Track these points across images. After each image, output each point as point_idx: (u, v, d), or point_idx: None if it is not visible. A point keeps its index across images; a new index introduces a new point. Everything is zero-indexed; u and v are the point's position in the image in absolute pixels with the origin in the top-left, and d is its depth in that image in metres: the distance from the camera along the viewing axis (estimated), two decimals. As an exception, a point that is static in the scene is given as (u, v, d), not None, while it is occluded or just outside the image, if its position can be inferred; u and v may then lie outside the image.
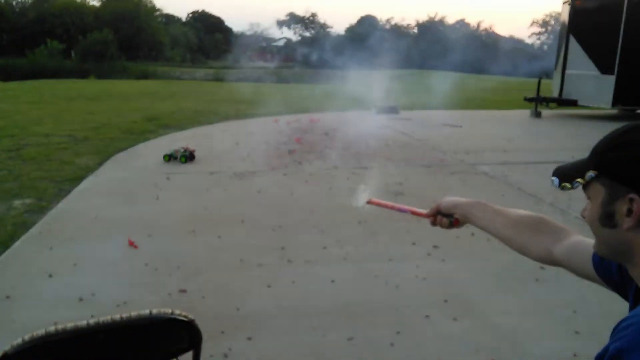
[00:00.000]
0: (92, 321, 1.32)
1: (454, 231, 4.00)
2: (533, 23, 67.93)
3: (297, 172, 6.02)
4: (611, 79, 10.92)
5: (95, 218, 4.30)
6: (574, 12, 11.77)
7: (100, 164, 6.24)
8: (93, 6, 47.84)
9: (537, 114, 11.92)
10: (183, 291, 3.07)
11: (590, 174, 0.88)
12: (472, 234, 4.01)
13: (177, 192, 5.13)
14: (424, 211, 1.46)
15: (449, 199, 1.42)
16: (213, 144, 7.61)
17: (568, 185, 0.92)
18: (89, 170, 5.87)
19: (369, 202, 1.56)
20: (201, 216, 4.43)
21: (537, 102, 11.98)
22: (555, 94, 12.39)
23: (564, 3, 12.49)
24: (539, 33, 65.13)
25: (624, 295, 0.99)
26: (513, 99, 16.32)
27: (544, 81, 12.46)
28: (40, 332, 1.31)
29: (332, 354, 2.48)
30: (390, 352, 2.49)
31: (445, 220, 1.40)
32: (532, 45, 63.67)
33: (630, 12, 10.57)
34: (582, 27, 11.64)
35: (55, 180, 5.38)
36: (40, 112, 10.59)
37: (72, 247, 3.72)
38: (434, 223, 1.44)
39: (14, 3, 47.03)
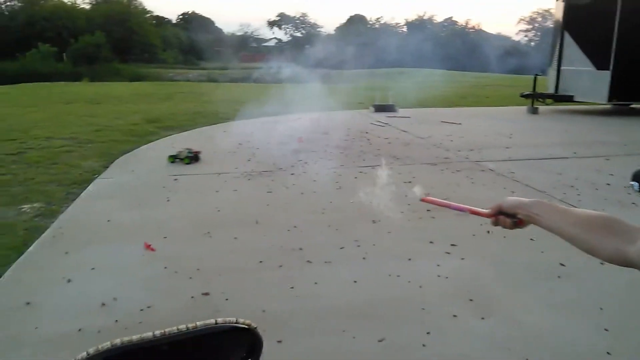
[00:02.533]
0: (157, 332, 1.29)
1: (470, 229, 4.02)
2: (520, 20, 68.32)
3: (304, 172, 6.00)
4: (606, 75, 11.01)
5: (108, 221, 4.26)
6: (569, 9, 11.85)
7: (105, 166, 6.18)
8: (84, 9, 47.58)
9: (534, 110, 12.00)
10: (206, 294, 3.05)
11: None
12: (488, 232, 4.03)
13: (187, 194, 5.10)
14: (484, 211, 1.45)
15: (512, 199, 1.41)
16: (216, 144, 7.57)
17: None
18: (95, 173, 5.82)
19: (422, 200, 1.56)
20: (214, 218, 4.40)
21: (534, 98, 12.05)
22: (551, 90, 12.47)
23: (557, 0, 12.58)
24: (527, 30, 65.63)
25: None
26: (506, 95, 16.44)
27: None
28: (106, 344, 1.28)
29: (365, 357, 2.47)
30: (423, 352, 2.48)
31: (508, 221, 1.40)
32: (520, 42, 64.09)
33: (625, 8, 10.66)
34: (576, 24, 11.73)
35: (62, 184, 5.33)
36: (38, 115, 10.48)
37: (88, 251, 3.68)
38: (495, 223, 1.43)
39: (3, 7, 46.55)
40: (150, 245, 3.74)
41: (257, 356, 1.51)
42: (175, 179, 5.59)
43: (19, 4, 46.38)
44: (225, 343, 1.44)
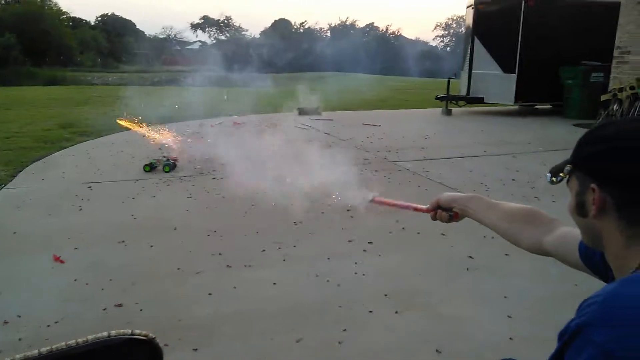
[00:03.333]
0: (44, 349, 1.23)
1: (387, 227, 4.16)
2: (437, 26, 71.50)
3: (225, 176, 5.93)
4: (513, 77, 11.76)
5: (14, 233, 4.01)
6: (478, 16, 12.54)
7: (13, 175, 5.80)
8: (-8, 9, 44.36)
9: (448, 112, 12.58)
10: (119, 305, 2.95)
11: (568, 167, 0.95)
12: (403, 229, 4.20)
13: (101, 202, 4.90)
14: (424, 207, 1.54)
15: (448, 194, 1.50)
16: (136, 150, 7.32)
17: (554, 179, 0.99)
18: (1, 183, 5.44)
19: (373, 201, 1.65)
20: (130, 225, 4.26)
21: (448, 100, 12.65)
22: (464, 93, 13.14)
23: (467, 7, 13.28)
24: (442, 36, 68.75)
25: (607, 282, 1.02)
26: (424, 98, 17.11)
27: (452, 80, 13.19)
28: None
29: (283, 357, 2.50)
30: (340, 350, 2.54)
31: (445, 214, 1.48)
32: (437, 47, 67.05)
33: (527, 15, 11.45)
34: (485, 30, 12.44)
35: (-39, 196, 4.95)
36: None
37: (-11, 266, 3.45)
38: (434, 217, 1.51)
39: None
40: (59, 257, 3.56)
41: (157, 367, 1.48)
42: (89, 187, 5.35)
43: None
44: (122, 356, 1.40)
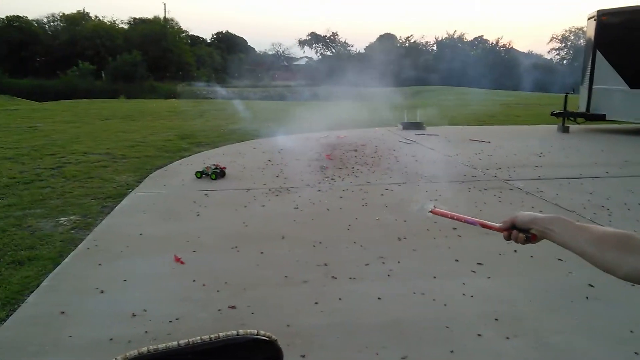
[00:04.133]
0: (182, 342, 1.35)
1: (497, 248, 4.00)
2: (552, 39, 67.37)
3: (331, 189, 6.06)
4: (640, 94, 10.80)
5: (140, 234, 4.40)
6: (600, 27, 11.70)
7: (139, 181, 6.38)
8: (122, 29, 49.33)
9: (565, 129, 11.82)
10: (232, 307, 3.11)
11: None
12: (515, 251, 4.00)
13: (217, 209, 5.21)
14: (497, 225, 1.45)
15: (527, 214, 1.41)
16: (245, 161, 7.72)
17: None
18: (129, 188, 6.01)
19: (431, 212, 1.56)
20: (242, 233, 4.49)
21: (565, 117, 11.89)
22: (583, 109, 12.27)
23: (589, 19, 12.44)
24: (559, 48, 64.67)
25: None
26: (537, 113, 16.24)
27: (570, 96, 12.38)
28: (133, 352, 1.36)
29: (387, 372, 2.49)
30: (446, 370, 2.49)
31: (521, 236, 1.40)
32: (552, 60, 63.24)
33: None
34: (608, 42, 11.57)
35: (97, 197, 5.53)
36: (77, 131, 10.89)
37: (120, 263, 3.81)
38: (508, 238, 1.43)
39: (47, 27, 48.68)
40: (180, 258, 3.84)
41: (277, 367, 1.56)
42: (206, 194, 5.73)
43: (62, 24, 48.46)
44: (247, 354, 1.50)
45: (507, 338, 2.76)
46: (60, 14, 49.13)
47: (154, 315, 3.04)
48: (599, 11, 11.68)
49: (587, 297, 3.23)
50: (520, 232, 1.41)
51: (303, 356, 2.60)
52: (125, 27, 50.26)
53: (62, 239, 4.29)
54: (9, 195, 5.63)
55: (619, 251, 1.25)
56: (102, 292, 3.32)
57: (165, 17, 48.83)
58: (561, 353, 2.64)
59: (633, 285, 3.26)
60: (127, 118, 13.92)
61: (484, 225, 1.47)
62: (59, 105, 18.23)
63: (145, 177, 6.61)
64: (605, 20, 11.64)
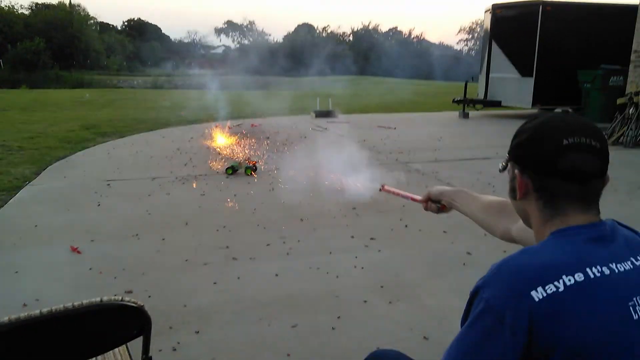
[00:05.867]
0: (44, 310, 1.42)
1: (390, 224, 4.29)
2: (460, 30, 70.81)
3: (239, 175, 6.13)
4: (530, 81, 11.75)
5: (35, 226, 4.25)
6: (495, 20, 12.56)
7: (37, 173, 6.10)
8: (22, 14, 45.64)
9: (465, 115, 12.61)
10: (129, 292, 3.13)
11: (506, 158, 1.09)
12: (406, 226, 4.31)
13: (119, 199, 5.12)
14: (419, 197, 1.68)
15: (437, 188, 1.64)
16: (153, 150, 7.58)
17: (500, 168, 1.13)
18: (25, 180, 5.73)
19: (381, 189, 1.80)
20: (144, 221, 4.47)
21: (465, 103, 12.68)
22: (481, 96, 13.15)
23: (486, 11, 13.31)
24: (466, 40, 68.07)
25: None
26: (442, 101, 17.13)
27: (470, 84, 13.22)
28: (-2, 320, 1.40)
29: (277, 341, 2.64)
30: (332, 335, 2.68)
31: (433, 206, 1.63)
32: (461, 51, 66.50)
33: (545, 19, 11.42)
34: (503, 34, 12.45)
35: (-12, 191, 5.24)
36: (-34, 123, 10.11)
37: (12, 255, 3.68)
38: (425, 208, 1.66)
39: None
40: (76, 248, 3.77)
41: (147, 334, 1.65)
42: (108, 184, 5.60)
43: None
44: (113, 320, 1.58)
45: (390, 302, 3.01)
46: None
47: (46, 303, 2.93)
48: (493, 5, 12.53)
49: (464, 264, 3.57)
50: (433, 203, 1.64)
51: (197, 332, 2.69)
52: (26, 12, 46.67)
53: (-54, 234, 4.06)
54: None
55: (497, 216, 1.48)
56: (-10, 284, 3.21)
57: (70, 2, 45.87)
58: (435, 313, 2.92)
59: (505, 251, 3.64)
60: (28, 109, 13.08)
61: (413, 199, 1.73)
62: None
63: (44, 169, 6.32)
64: (499, 13, 12.50)
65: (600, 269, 0.89)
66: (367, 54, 50.49)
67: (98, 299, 1.46)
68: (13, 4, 49.80)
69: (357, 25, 76.84)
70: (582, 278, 0.87)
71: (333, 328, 2.73)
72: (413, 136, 9.35)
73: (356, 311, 2.92)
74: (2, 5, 45.16)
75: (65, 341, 1.50)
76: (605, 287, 0.87)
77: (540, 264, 0.90)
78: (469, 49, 66.91)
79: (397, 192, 1.78)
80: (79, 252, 3.72)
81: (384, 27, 69.67)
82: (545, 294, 0.85)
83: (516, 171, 1.04)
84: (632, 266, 0.92)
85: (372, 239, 4.03)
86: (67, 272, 3.44)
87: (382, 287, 3.21)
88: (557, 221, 0.98)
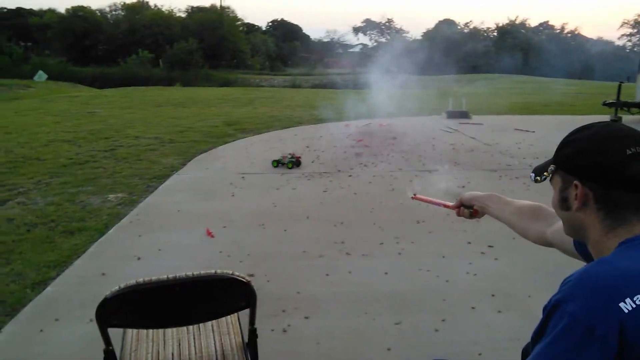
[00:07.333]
0: (170, 275, 1.70)
1: (511, 232, 4.12)
2: (623, 24, 63.61)
3: (362, 174, 6.28)
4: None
5: (178, 211, 4.81)
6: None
7: (183, 164, 6.85)
8: (180, 17, 50.81)
9: (617, 120, 11.40)
10: (251, 275, 3.43)
11: (551, 167, 1.08)
12: (528, 235, 4.10)
13: (251, 190, 5.57)
14: (451, 204, 1.71)
15: (469, 193, 1.66)
16: (285, 147, 8.05)
17: (539, 178, 1.13)
18: (173, 169, 6.48)
19: (413, 198, 1.84)
20: (270, 212, 4.82)
21: (617, 107, 11.47)
22: (639, 99, 11.79)
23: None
24: (630, 34, 60.98)
25: None
26: (595, 103, 15.64)
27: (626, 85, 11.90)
28: (132, 282, 1.71)
29: (379, 335, 2.73)
30: (434, 336, 2.70)
31: (466, 212, 1.65)
32: (624, 47, 59.84)
33: None
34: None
35: (144, 178, 6.02)
36: (131, 117, 11.62)
37: (157, 235, 4.22)
38: (458, 214, 1.68)
39: (109, 16, 51.03)
40: (211, 232, 4.21)
41: (253, 307, 1.87)
42: (243, 177, 6.10)
43: (122, 14, 50.58)
44: (224, 290, 1.82)
45: (499, 311, 2.93)
46: (122, 4, 51.44)
47: (181, 279, 3.40)
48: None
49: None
50: (465, 209, 1.66)
51: (306, 317, 2.89)
52: (183, 15, 51.75)
53: (108, 213, 4.77)
54: (65, 174, 6.23)
55: (531, 219, 1.47)
56: (139, 258, 3.73)
57: (221, 5, 49.97)
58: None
59: None
60: (180, 105, 14.59)
61: (445, 206, 1.75)
62: (118, 92, 19.31)
63: (189, 160, 7.07)
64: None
65: None
66: (513, 50, 47.75)
67: (213, 271, 1.71)
68: (172, 7, 55.54)
69: (503, 21, 72.85)
70: None
71: (436, 330, 2.75)
72: (552, 141, 8.66)
73: (462, 316, 2.90)
74: (164, 9, 50.54)
75: (186, 304, 1.78)
76: None
77: (621, 274, 0.89)
78: (633, 45, 60.00)
79: (429, 199, 1.77)
80: (212, 236, 4.15)
81: (533, 22, 65.17)
82: (634, 305, 0.84)
83: (576, 182, 1.02)
84: None
85: (490, 246, 3.92)
86: (200, 253, 3.87)
87: (493, 295, 3.13)
88: (623, 231, 0.96)
